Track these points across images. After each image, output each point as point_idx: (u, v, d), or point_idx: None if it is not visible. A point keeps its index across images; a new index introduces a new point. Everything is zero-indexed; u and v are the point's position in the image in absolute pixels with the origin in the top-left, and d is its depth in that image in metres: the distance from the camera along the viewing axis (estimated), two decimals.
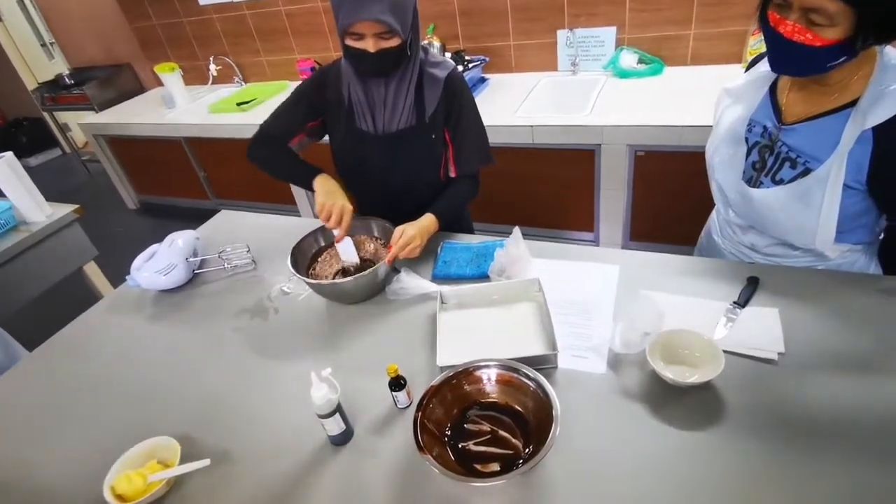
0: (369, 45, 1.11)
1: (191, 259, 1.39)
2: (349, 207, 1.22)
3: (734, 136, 1.08)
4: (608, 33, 2.42)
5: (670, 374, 0.88)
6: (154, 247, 1.43)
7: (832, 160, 0.93)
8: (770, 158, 1.03)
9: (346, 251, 1.28)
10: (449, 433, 0.88)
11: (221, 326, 1.23)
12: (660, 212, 2.19)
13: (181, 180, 3.44)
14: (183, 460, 0.89)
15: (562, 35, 2.50)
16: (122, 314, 1.34)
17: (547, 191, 2.35)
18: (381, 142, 1.29)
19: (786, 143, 1.00)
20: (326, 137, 1.41)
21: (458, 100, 1.27)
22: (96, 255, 2.11)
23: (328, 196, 1.23)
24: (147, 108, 3.49)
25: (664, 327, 0.94)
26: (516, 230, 1.14)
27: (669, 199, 2.13)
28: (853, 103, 0.91)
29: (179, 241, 1.42)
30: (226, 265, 1.40)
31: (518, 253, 1.14)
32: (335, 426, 0.88)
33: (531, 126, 2.17)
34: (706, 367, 0.89)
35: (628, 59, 2.39)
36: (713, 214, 1.32)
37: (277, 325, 1.21)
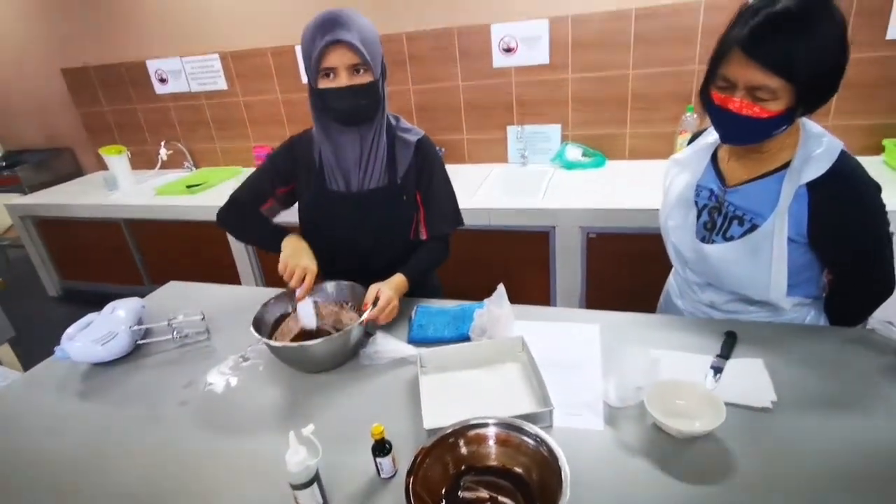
0: (342, 80, 1.13)
1: (134, 328, 1.25)
2: (313, 268, 1.17)
3: (684, 200, 1.16)
4: (554, 130, 2.63)
5: (674, 424, 0.83)
6: (91, 316, 1.28)
7: (775, 215, 1.01)
8: (719, 218, 1.11)
9: (306, 314, 1.20)
10: (444, 502, 0.78)
11: (166, 401, 1.08)
12: (613, 286, 2.25)
13: (114, 264, 3.20)
14: None
15: (512, 131, 2.69)
16: (45, 391, 1.15)
17: (504, 269, 2.38)
18: (353, 201, 1.27)
19: (732, 203, 1.09)
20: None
21: (428, 163, 1.30)
22: (12, 335, 1.86)
23: (292, 255, 1.18)
24: (85, 190, 3.31)
25: (658, 379, 0.91)
26: (500, 288, 1.12)
27: (621, 275, 2.21)
28: (786, 165, 1.01)
29: (121, 311, 1.28)
30: (175, 334, 1.26)
31: (500, 313, 1.11)
32: (311, 500, 0.76)
33: (488, 209, 2.24)
34: (705, 418, 0.86)
35: (573, 152, 2.58)
36: (670, 278, 1.36)
37: (234, 397, 1.08)
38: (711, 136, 1.15)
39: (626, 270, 2.20)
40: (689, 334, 1.11)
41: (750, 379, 0.95)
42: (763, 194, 1.03)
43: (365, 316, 1.10)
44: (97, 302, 1.35)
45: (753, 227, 1.04)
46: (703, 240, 1.14)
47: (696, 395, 0.90)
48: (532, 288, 2.35)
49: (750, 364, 0.99)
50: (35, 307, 3.39)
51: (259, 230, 1.32)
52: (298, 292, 1.16)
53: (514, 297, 1.15)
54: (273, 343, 1.06)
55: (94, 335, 1.19)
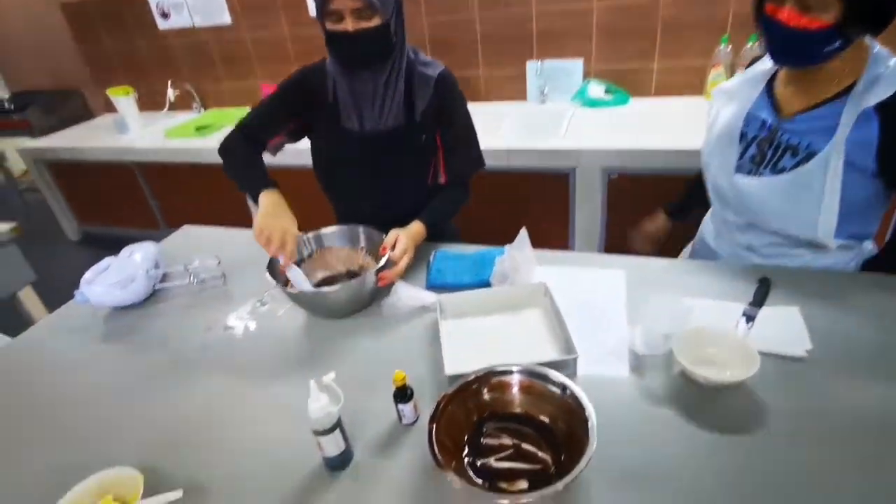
0: (348, 25, 1.04)
1: (151, 272, 1.23)
2: (292, 231, 1.06)
3: (730, 133, 1.08)
4: (575, 65, 2.48)
5: (704, 373, 0.80)
6: (108, 259, 1.26)
7: (832, 144, 0.94)
8: (770, 150, 1.03)
9: (295, 280, 1.07)
10: (466, 449, 0.77)
11: (188, 345, 1.07)
12: (632, 226, 2.19)
13: (130, 209, 3.20)
14: (148, 495, 0.73)
15: (531, 66, 2.54)
16: (68, 334, 1.16)
17: (523, 211, 2.32)
18: (368, 142, 1.21)
19: (786, 133, 1.01)
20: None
21: (449, 100, 1.22)
22: (34, 279, 1.87)
23: (269, 217, 1.06)
24: (97, 133, 3.26)
25: (688, 327, 0.88)
26: (523, 233, 1.07)
27: (642, 218, 2.14)
28: (848, 90, 0.93)
29: (137, 255, 1.26)
30: (192, 279, 1.24)
31: (522, 257, 1.07)
32: (333, 446, 0.75)
33: (507, 150, 2.15)
34: (736, 367, 0.83)
35: (595, 89, 2.44)
36: (706, 218, 1.30)
37: (254, 342, 1.07)
38: (766, 63, 1.06)
39: (649, 212, 2.12)
40: (721, 281, 1.06)
41: (784, 327, 0.91)
42: (821, 122, 0.96)
43: (383, 261, 1.07)
44: (116, 246, 1.34)
45: (809, 157, 0.97)
46: (749, 173, 1.06)
47: (727, 343, 0.86)
48: (550, 232, 2.30)
49: (784, 312, 0.95)
50: (56, 252, 3.43)
51: (246, 167, 1.19)
52: (281, 260, 1.05)
53: (532, 241, 1.10)
54: (288, 290, 1.03)
55: (112, 279, 1.18)
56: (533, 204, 2.29)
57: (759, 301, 0.98)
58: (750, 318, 0.94)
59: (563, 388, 0.77)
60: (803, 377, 0.83)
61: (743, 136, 1.07)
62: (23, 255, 1.86)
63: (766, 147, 1.04)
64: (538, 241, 1.14)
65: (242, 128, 1.25)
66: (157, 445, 0.85)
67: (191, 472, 0.79)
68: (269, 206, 1.09)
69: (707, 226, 1.28)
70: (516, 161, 2.16)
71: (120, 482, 0.76)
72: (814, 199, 0.98)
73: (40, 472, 0.83)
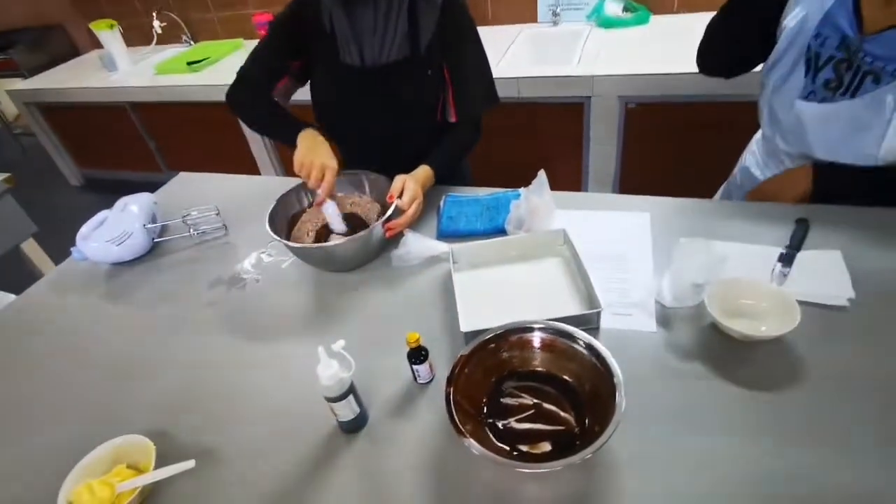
0: None
1: (149, 226, 1.17)
2: (332, 165, 1.01)
3: (796, 49, 0.93)
4: None
5: (738, 327, 0.75)
6: (103, 213, 1.20)
7: None
8: (848, 74, 0.89)
9: (330, 216, 1.07)
10: (485, 410, 0.74)
11: (192, 302, 1.03)
12: (652, 167, 2.07)
13: (129, 151, 3.10)
14: (159, 463, 0.71)
15: None
16: (69, 293, 1.12)
17: (532, 148, 2.20)
18: (369, 78, 1.10)
19: (869, 54, 0.86)
20: None
21: (458, 28, 1.09)
22: (35, 231, 1.82)
23: (308, 152, 1.02)
24: (85, 71, 3.09)
25: (720, 276, 0.81)
26: (541, 175, 0.99)
27: (664, 154, 2.02)
28: None
29: (133, 206, 1.20)
30: (192, 231, 1.19)
31: (539, 202, 0.99)
32: (348, 410, 0.72)
33: (517, 78, 2.00)
34: (773, 319, 0.77)
35: (612, 7, 2.23)
36: (752, 147, 1.18)
37: (260, 297, 1.03)
38: None
39: (670, 147, 2.00)
40: (755, 222, 0.98)
41: (824, 273, 0.84)
42: None
43: (390, 210, 0.99)
44: (119, 191, 1.27)
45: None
46: (822, 101, 0.93)
47: (763, 293, 0.80)
48: (562, 169, 2.19)
49: (825, 256, 0.87)
50: (59, 198, 3.38)
51: (271, 119, 1.14)
52: (319, 193, 1.02)
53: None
54: (291, 244, 0.97)
55: (108, 235, 1.12)
56: (543, 140, 2.16)
57: (796, 244, 0.90)
58: (787, 264, 0.87)
59: (588, 346, 0.72)
60: (846, 328, 0.77)
61: (817, 56, 0.91)
62: (21, 207, 1.80)
63: (843, 70, 0.89)
64: (549, 182, 1.04)
65: (243, 78, 1.14)
66: (166, 409, 0.83)
67: (202, 437, 0.77)
68: (308, 143, 1.05)
69: (754, 154, 1.16)
70: (526, 91, 2.01)
71: (132, 450, 0.74)
72: (882, 125, 0.86)
73: (50, 440, 0.82)
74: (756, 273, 0.85)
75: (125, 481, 0.70)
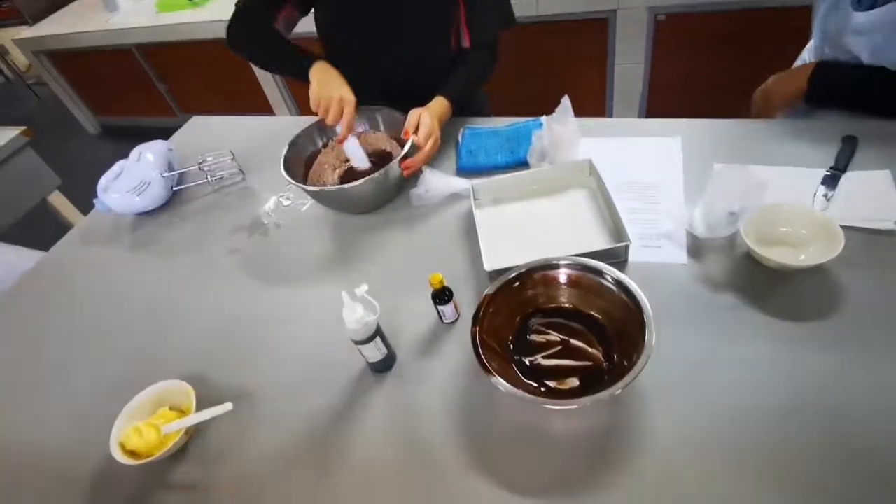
0: None
1: (166, 174, 1.16)
2: (351, 98, 0.96)
3: None
4: None
5: (775, 257, 0.71)
6: (120, 163, 1.18)
7: None
8: None
9: (353, 154, 1.04)
10: (512, 347, 0.73)
11: (216, 249, 1.04)
12: (684, 87, 1.94)
13: (142, 96, 3.05)
14: (199, 405, 0.74)
15: None
16: (97, 245, 1.13)
17: (551, 72, 2.08)
18: (376, 3, 1.02)
19: None
20: None
21: None
22: (59, 183, 1.84)
23: (323, 86, 0.97)
24: (86, 14, 2.99)
25: (758, 203, 0.76)
26: (565, 101, 0.93)
27: (695, 71, 1.89)
28: None
29: (149, 155, 1.18)
30: (209, 178, 1.17)
31: (563, 131, 0.93)
32: (375, 352, 0.72)
33: None
34: (814, 246, 0.73)
35: None
36: (803, 57, 1.08)
37: (282, 242, 1.02)
38: None
39: (704, 63, 1.86)
40: (797, 142, 0.91)
41: (871, 195, 0.79)
42: None
43: (406, 147, 0.95)
44: (138, 137, 1.25)
45: None
46: (870, 7, 0.84)
47: (803, 218, 0.75)
48: (584, 92, 2.08)
49: (873, 177, 0.81)
50: (79, 147, 3.38)
51: (277, 53, 1.07)
52: (340, 130, 0.98)
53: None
54: (307, 188, 0.95)
55: (127, 185, 1.11)
56: (563, 62, 2.03)
57: (842, 164, 0.84)
58: (830, 186, 0.81)
59: (616, 281, 0.70)
60: (890, 251, 0.73)
61: None
62: (42, 159, 1.80)
63: None
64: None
65: (243, 9, 1.06)
66: (199, 354, 0.85)
67: (237, 380, 0.80)
68: (321, 76, 0.99)
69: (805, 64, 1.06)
70: (545, 6, 1.87)
71: (174, 393, 0.77)
72: None
73: (95, 385, 0.85)
74: (796, 198, 0.80)
75: (169, 423, 0.73)
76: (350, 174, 1.07)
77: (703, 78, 1.86)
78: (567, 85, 2.10)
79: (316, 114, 0.97)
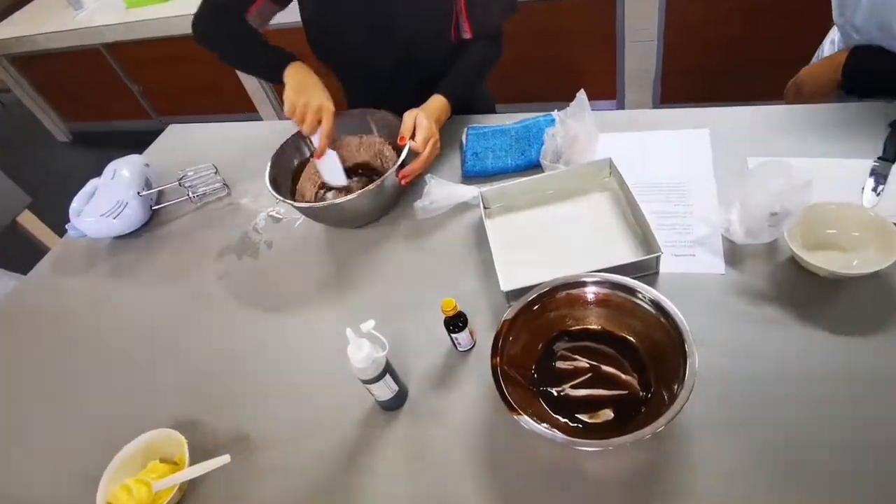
0: None
1: (144, 193, 1.13)
2: (330, 106, 0.93)
3: None
4: None
5: (825, 263, 0.68)
6: (93, 182, 1.16)
7: None
8: None
9: (330, 170, 0.99)
10: (536, 376, 0.70)
11: (203, 274, 1.01)
12: (702, 66, 1.90)
13: (114, 100, 3.01)
14: (192, 454, 0.71)
15: None
16: (70, 275, 1.10)
17: (555, 54, 2.04)
18: None
19: None
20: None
21: None
22: (29, 202, 1.80)
23: (300, 93, 0.93)
24: (49, 12, 2.93)
25: (804, 203, 0.73)
26: (581, 96, 0.89)
27: (715, 48, 1.84)
28: None
29: (125, 171, 1.15)
30: (191, 194, 1.14)
31: (579, 128, 0.90)
32: (385, 390, 0.70)
33: None
34: (867, 250, 0.70)
35: None
36: (832, 35, 1.05)
37: (274, 262, 0.99)
38: None
39: (724, 38, 1.81)
40: (840, 130, 0.87)
41: None
42: None
43: (403, 155, 0.91)
44: (111, 144, 1.23)
45: None
46: None
47: (855, 219, 0.72)
48: (592, 74, 2.05)
49: None
50: (50, 157, 3.34)
51: (248, 50, 1.03)
52: (315, 141, 0.94)
53: (567, 90, 0.91)
54: (297, 204, 0.92)
55: (102, 208, 1.08)
56: (567, 43, 1.99)
57: (891, 153, 0.80)
58: (880, 178, 0.78)
59: (650, 299, 0.67)
60: None
61: None
62: (10, 172, 1.76)
63: None
64: (574, 92, 0.94)
65: (211, 2, 1.02)
66: (190, 396, 0.82)
67: (233, 424, 0.77)
68: (298, 81, 0.95)
69: (833, 44, 1.03)
70: None
71: (164, 443, 0.74)
72: None
73: (77, 437, 0.82)
74: (841, 193, 0.77)
75: (161, 479, 0.70)
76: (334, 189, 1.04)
77: (726, 56, 1.82)
78: (572, 68, 2.06)
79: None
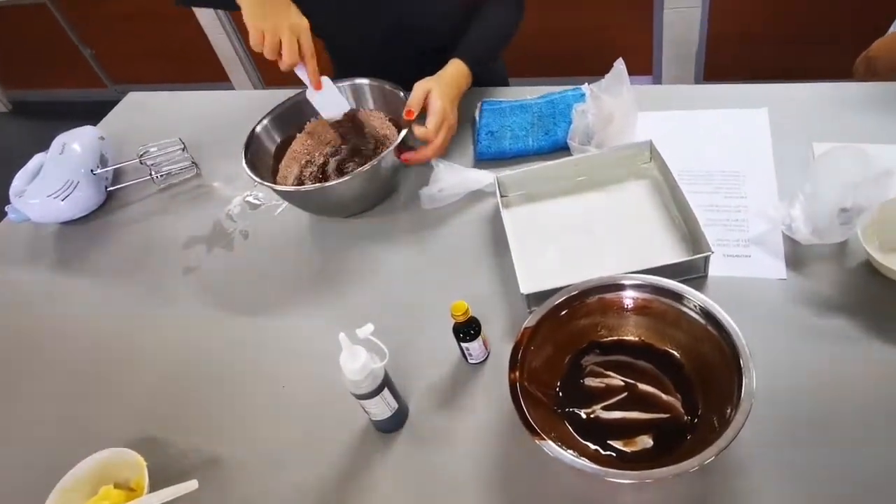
0: None
1: (98, 171, 1.13)
2: (304, 25, 0.88)
3: None
4: None
5: None
6: (39, 157, 1.17)
7: None
8: None
9: (327, 100, 0.98)
10: (560, 395, 0.70)
11: (167, 268, 1.01)
12: (752, 39, 1.91)
13: (62, 64, 3.05)
14: (153, 480, 0.70)
15: None
16: (10, 264, 1.11)
17: (581, 22, 2.06)
18: None
19: None
20: None
21: None
22: None
23: (262, 18, 0.86)
24: None
25: (882, 196, 0.73)
26: (619, 66, 0.89)
27: (770, 17, 1.84)
28: None
29: (76, 146, 1.16)
30: (154, 174, 1.14)
31: (614, 105, 0.90)
32: (383, 408, 0.69)
33: None
34: None
35: None
36: None
37: (252, 256, 1.00)
38: None
39: (782, 3, 1.81)
40: None
41: None
42: None
43: (402, 134, 0.91)
44: (58, 114, 1.23)
45: None
46: None
47: None
48: (626, 46, 2.05)
49: None
50: None
51: None
52: (300, 74, 0.92)
53: (597, 64, 0.90)
54: (278, 188, 0.92)
55: (49, 188, 1.08)
56: (597, 7, 1.99)
57: None
58: None
59: (696, 306, 0.67)
60: None
61: None
62: None
63: None
64: (606, 66, 0.94)
65: None
66: (152, 410, 0.82)
67: (202, 445, 0.77)
68: (256, 1, 0.88)
69: None
70: None
71: (119, 466, 0.74)
72: None
73: (16, 460, 0.82)
74: None
75: None
76: (333, 166, 1.04)
77: (782, 25, 1.82)
78: (599, 36, 2.08)
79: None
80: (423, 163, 0.95)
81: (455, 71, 0.99)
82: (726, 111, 0.98)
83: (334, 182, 0.89)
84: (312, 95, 0.96)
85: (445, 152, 1.00)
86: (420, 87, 0.94)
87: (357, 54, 1.16)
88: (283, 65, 0.89)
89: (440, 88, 0.94)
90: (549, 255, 0.85)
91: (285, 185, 1.02)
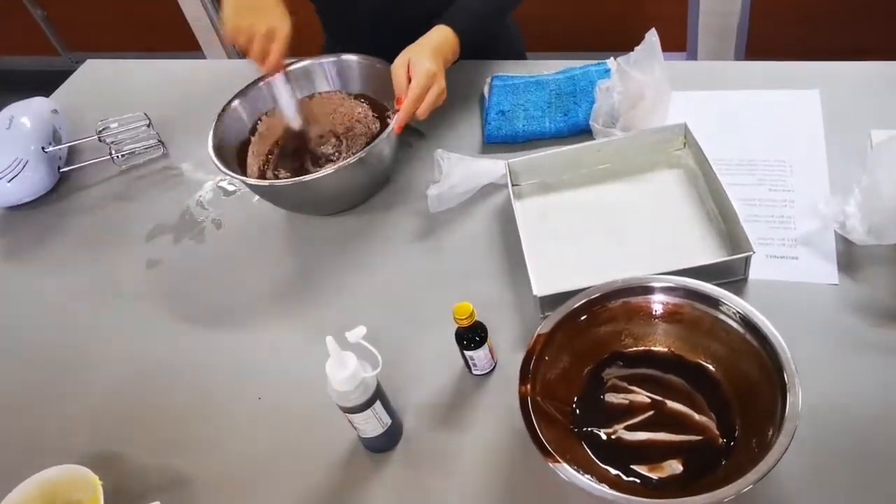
0: None
1: (50, 149, 1.15)
2: (283, 29, 0.95)
3: None
4: None
5: None
6: None
7: None
8: None
9: (281, 100, 1.05)
10: (578, 412, 0.72)
11: (128, 261, 1.04)
12: (801, 12, 1.94)
13: (8, 27, 3.08)
14: (110, 501, 0.71)
15: None
16: None
17: None
18: None
19: None
20: None
21: None
22: None
23: (242, 13, 0.95)
24: None
25: None
26: (651, 37, 0.91)
27: None
28: None
29: (24, 119, 1.18)
30: (114, 153, 1.16)
31: (644, 82, 0.92)
32: (374, 423, 0.70)
33: None
34: None
35: None
36: None
37: (225, 249, 1.03)
38: None
39: None
40: None
41: None
42: None
43: (390, 128, 0.92)
44: (6, 84, 1.25)
45: None
46: None
47: None
48: (657, 17, 2.08)
49: None
50: None
51: None
52: (265, 72, 0.98)
53: (626, 38, 0.91)
54: (251, 181, 0.95)
55: None
56: None
57: None
58: None
59: (735, 313, 0.68)
60: None
61: None
62: None
63: None
64: (635, 39, 0.95)
65: None
66: (109, 424, 0.84)
67: (166, 463, 0.78)
68: None
69: None
70: None
71: (70, 485, 0.75)
72: None
73: None
74: None
75: None
76: (296, 163, 1.06)
77: None
78: (630, 8, 2.11)
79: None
80: (411, 121, 0.95)
81: (439, 36, 0.98)
82: (772, 92, 1.00)
83: (310, 177, 0.91)
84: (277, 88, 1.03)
85: (437, 133, 1.02)
86: (399, 63, 0.94)
87: (353, 31, 1.17)
88: (251, 57, 0.95)
89: (421, 49, 0.95)
90: (565, 253, 0.86)
91: (256, 178, 1.04)
